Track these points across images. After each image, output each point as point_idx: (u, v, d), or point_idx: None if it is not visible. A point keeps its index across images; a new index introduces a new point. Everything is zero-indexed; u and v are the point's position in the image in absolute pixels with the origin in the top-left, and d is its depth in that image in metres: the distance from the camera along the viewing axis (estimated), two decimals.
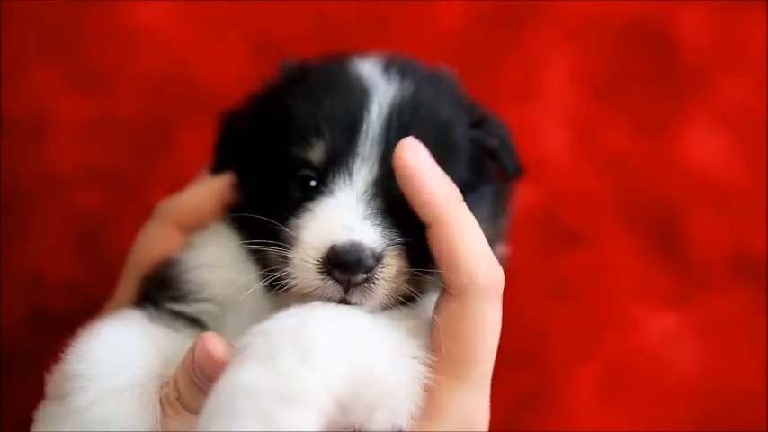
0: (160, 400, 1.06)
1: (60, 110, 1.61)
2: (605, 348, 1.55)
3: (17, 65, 1.61)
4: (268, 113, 1.21)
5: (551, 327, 1.56)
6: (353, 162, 1.13)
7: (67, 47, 1.62)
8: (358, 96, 1.16)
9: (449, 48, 1.62)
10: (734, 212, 1.57)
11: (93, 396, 1.04)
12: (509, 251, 1.32)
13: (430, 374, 1.06)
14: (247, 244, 1.15)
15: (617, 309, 1.56)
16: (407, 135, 1.13)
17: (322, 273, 1.07)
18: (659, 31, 1.61)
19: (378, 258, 1.07)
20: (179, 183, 1.33)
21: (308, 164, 1.14)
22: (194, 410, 1.03)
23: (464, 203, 1.09)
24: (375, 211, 1.10)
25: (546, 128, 1.60)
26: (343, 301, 1.07)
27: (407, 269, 1.10)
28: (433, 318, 1.09)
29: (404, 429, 1.05)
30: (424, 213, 1.08)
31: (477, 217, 1.15)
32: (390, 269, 1.08)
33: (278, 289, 1.10)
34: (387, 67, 1.21)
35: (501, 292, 1.09)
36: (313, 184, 1.14)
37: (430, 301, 1.12)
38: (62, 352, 1.09)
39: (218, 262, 1.18)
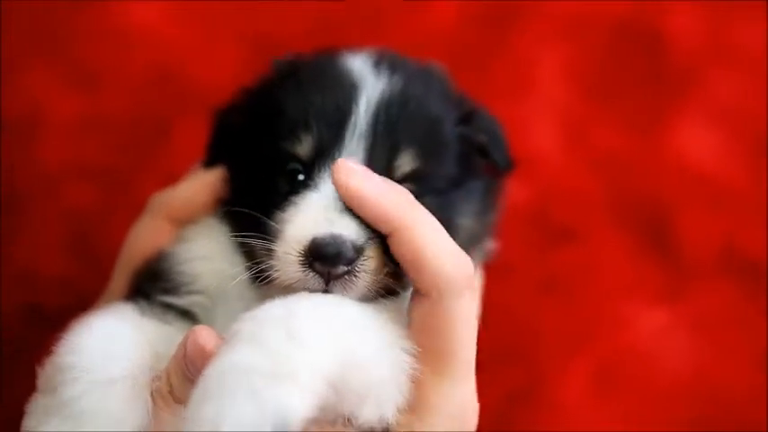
0: (151, 393, 1.07)
1: (54, 108, 1.62)
2: (597, 345, 1.56)
3: (11, 64, 1.61)
4: (259, 108, 1.22)
5: (543, 324, 1.56)
6: (340, 156, 1.13)
7: (62, 46, 1.63)
8: (347, 90, 1.16)
9: (441, 46, 1.62)
10: (725, 209, 1.58)
11: (84, 387, 1.04)
12: (498, 247, 1.32)
13: (415, 365, 1.06)
14: (235, 236, 1.15)
15: (609, 305, 1.57)
16: (395, 129, 1.14)
17: (303, 265, 1.07)
18: (650, 28, 1.61)
19: (358, 251, 1.07)
20: (172, 180, 1.33)
21: (296, 158, 1.15)
22: (186, 403, 1.03)
23: (418, 204, 1.09)
24: None
25: (537, 125, 1.60)
26: (325, 294, 1.07)
27: (389, 262, 1.10)
28: (401, 294, 1.10)
29: (391, 423, 1.05)
30: (380, 228, 1.08)
31: (465, 212, 1.16)
32: (371, 262, 1.08)
33: (263, 281, 1.10)
34: (377, 63, 1.21)
35: (472, 284, 1.09)
36: (301, 177, 1.14)
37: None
38: (54, 346, 1.10)
39: (209, 254, 1.19)
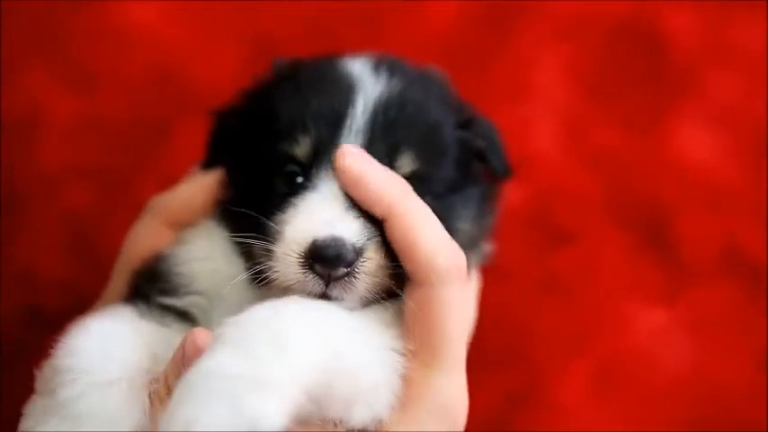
0: (149, 394, 1.07)
1: (53, 109, 1.62)
2: (597, 345, 1.55)
3: (11, 64, 1.62)
4: (258, 110, 1.22)
5: (542, 324, 1.56)
6: None
7: (60, 46, 1.63)
8: (344, 92, 1.17)
9: (440, 47, 1.62)
10: (725, 209, 1.57)
11: (82, 389, 1.05)
12: (496, 249, 1.32)
13: (407, 365, 1.07)
14: (234, 237, 1.16)
15: (608, 306, 1.57)
16: (393, 131, 1.15)
17: (303, 267, 1.07)
18: (649, 29, 1.61)
19: (358, 252, 1.08)
20: (171, 181, 1.33)
21: (294, 159, 1.15)
22: None
23: (414, 194, 1.11)
24: (357, 204, 1.11)
25: (537, 126, 1.60)
26: (324, 296, 1.08)
27: (389, 263, 1.10)
28: (400, 296, 1.10)
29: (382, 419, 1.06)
30: (376, 211, 1.09)
31: (463, 216, 1.16)
32: (371, 263, 1.09)
33: (261, 282, 1.10)
34: (376, 66, 1.21)
35: (464, 275, 1.11)
36: (299, 179, 1.15)
37: None
38: (52, 348, 1.10)
39: (207, 255, 1.20)
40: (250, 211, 1.13)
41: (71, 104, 1.62)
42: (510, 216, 1.42)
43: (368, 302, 1.11)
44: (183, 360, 1.04)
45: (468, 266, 1.13)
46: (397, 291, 1.11)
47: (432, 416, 1.09)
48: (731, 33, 1.61)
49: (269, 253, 1.10)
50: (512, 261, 1.51)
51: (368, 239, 1.09)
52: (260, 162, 1.17)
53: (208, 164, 1.28)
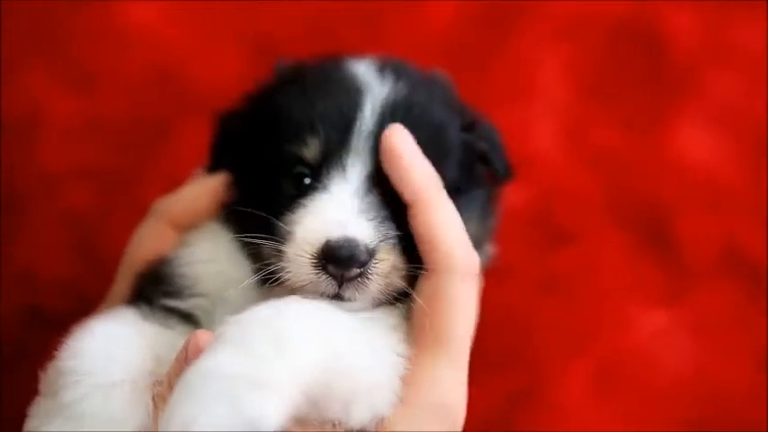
0: (153, 396, 1.07)
1: (54, 109, 1.62)
2: (597, 346, 1.55)
3: (11, 64, 1.61)
4: (263, 112, 1.22)
5: (543, 325, 1.56)
6: (347, 158, 1.14)
7: (61, 47, 1.62)
8: (352, 95, 1.17)
9: (440, 47, 1.63)
10: (724, 209, 1.58)
11: (85, 390, 1.05)
12: (498, 250, 1.33)
13: (411, 361, 1.08)
14: (242, 237, 1.16)
15: (609, 306, 1.57)
16: None
17: (316, 267, 1.08)
18: (649, 29, 1.61)
19: (371, 253, 1.08)
20: (173, 182, 1.33)
21: (302, 161, 1.16)
22: None
23: (444, 191, 1.13)
24: (369, 205, 1.12)
25: (537, 126, 1.60)
26: (337, 296, 1.09)
27: (402, 264, 1.11)
28: (412, 297, 1.11)
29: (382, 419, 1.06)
30: (406, 192, 1.11)
31: (467, 219, 1.16)
32: (384, 264, 1.10)
33: (271, 283, 1.10)
34: (381, 68, 1.22)
35: (477, 276, 1.12)
36: (308, 181, 1.15)
37: None
38: (56, 350, 1.10)
39: (212, 257, 1.20)
40: (260, 212, 1.13)
41: (71, 104, 1.62)
42: (510, 216, 1.42)
43: (379, 303, 1.11)
44: (186, 362, 1.03)
45: None
46: (409, 290, 1.11)
47: (431, 416, 1.09)
48: (731, 33, 1.61)
49: (280, 253, 1.10)
50: (512, 261, 1.51)
51: (380, 241, 1.10)
52: (266, 164, 1.17)
53: (212, 167, 1.28)
